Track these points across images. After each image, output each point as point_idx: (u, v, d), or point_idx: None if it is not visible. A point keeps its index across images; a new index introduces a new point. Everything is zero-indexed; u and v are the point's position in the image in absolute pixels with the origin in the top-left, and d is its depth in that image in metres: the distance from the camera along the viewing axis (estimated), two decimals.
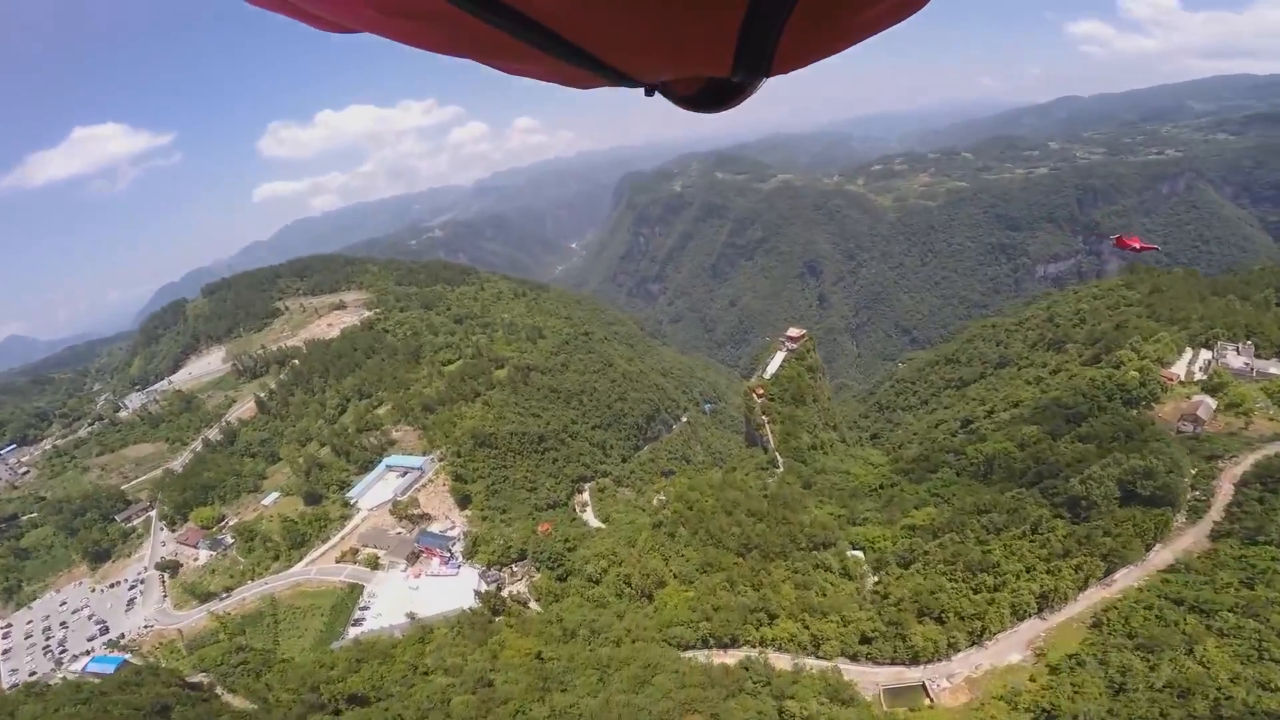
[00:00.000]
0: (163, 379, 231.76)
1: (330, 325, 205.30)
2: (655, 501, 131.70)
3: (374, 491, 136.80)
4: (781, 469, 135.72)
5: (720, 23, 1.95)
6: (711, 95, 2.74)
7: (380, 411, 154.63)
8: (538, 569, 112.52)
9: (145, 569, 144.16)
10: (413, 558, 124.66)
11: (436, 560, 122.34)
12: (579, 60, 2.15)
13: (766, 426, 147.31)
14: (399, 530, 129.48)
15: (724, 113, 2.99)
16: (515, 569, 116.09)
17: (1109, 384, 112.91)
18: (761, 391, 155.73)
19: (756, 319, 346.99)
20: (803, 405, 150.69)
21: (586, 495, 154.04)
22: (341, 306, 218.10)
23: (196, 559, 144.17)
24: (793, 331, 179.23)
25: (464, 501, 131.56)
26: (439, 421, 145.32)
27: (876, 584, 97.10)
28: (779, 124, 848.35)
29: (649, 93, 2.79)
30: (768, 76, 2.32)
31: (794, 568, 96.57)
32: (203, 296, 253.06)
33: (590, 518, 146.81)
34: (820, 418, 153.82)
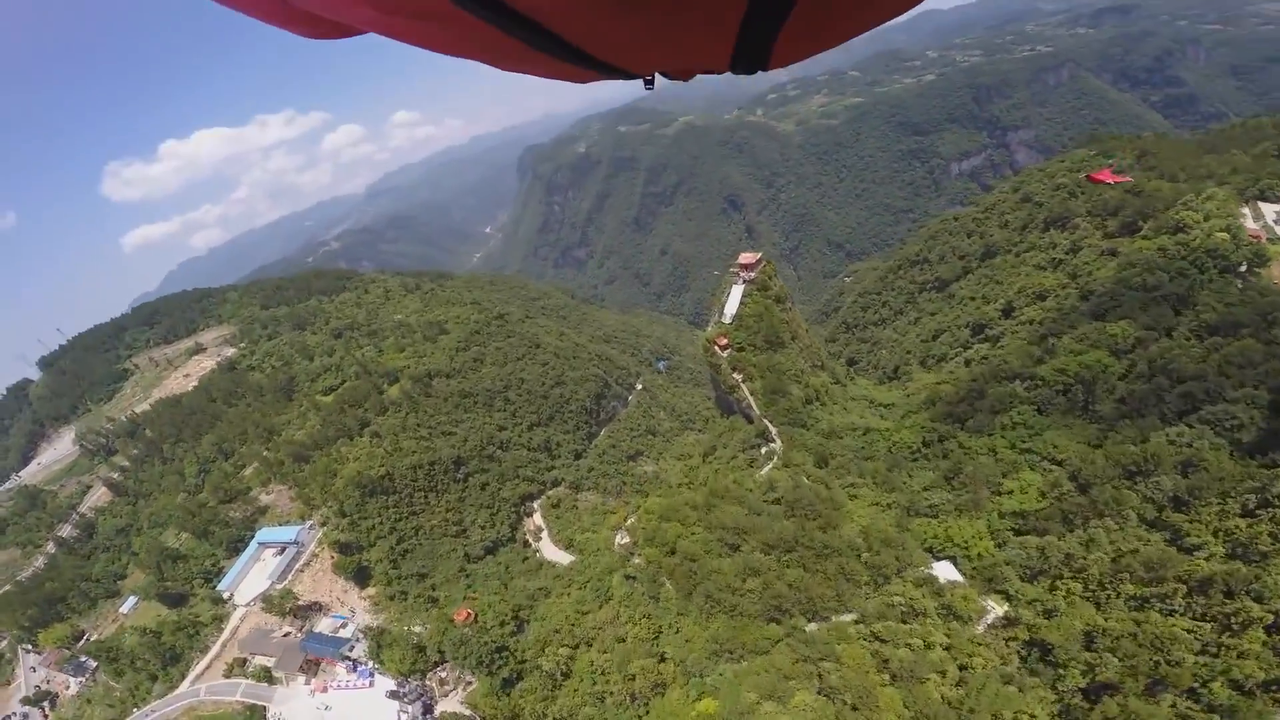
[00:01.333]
0: (9, 476, 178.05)
1: (187, 376, 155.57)
2: (617, 543, 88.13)
3: (250, 579, 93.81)
4: (779, 443, 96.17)
5: (719, 27, 1.90)
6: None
7: (246, 473, 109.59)
8: (471, 673, 73.19)
9: (15, 713, 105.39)
10: (310, 667, 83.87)
11: (342, 669, 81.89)
12: (580, 60, 2.09)
13: (742, 386, 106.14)
14: (287, 630, 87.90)
15: None
16: (444, 674, 76.59)
17: (1193, 251, 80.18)
18: (725, 341, 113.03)
19: (690, 262, 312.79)
20: (781, 348, 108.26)
21: (539, 517, 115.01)
22: (199, 350, 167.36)
23: (68, 687, 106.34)
24: (745, 258, 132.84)
25: (361, 577, 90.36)
26: (314, 472, 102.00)
27: (1008, 627, 59.47)
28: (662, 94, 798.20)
29: (649, 85, 2.72)
30: (764, 71, 2.28)
31: (869, 630, 59.00)
32: (40, 372, 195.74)
33: (549, 548, 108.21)
34: (805, 358, 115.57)
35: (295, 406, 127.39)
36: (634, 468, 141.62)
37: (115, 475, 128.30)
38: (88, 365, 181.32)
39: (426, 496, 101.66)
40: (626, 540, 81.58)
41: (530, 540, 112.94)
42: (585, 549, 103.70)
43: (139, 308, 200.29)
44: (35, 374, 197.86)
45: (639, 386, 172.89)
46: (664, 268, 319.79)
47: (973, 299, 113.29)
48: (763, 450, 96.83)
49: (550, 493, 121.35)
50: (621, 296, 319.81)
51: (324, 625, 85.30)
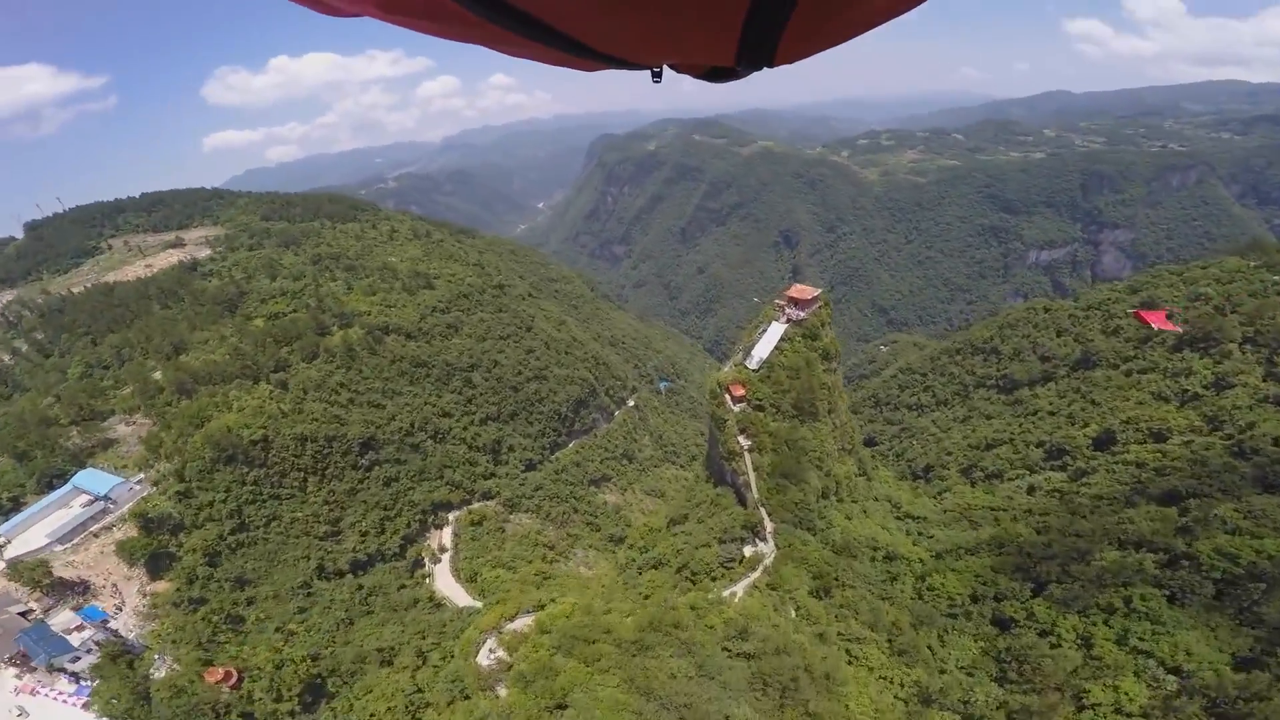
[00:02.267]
0: None
1: (149, 267, 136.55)
2: (485, 654, 57.88)
3: (37, 529, 71.44)
4: (770, 547, 68.64)
5: (724, 20, 1.83)
6: (716, 72, 2.58)
7: (124, 392, 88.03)
8: None
9: None
10: (21, 661, 61.26)
11: (65, 676, 59.08)
12: (584, 52, 2.05)
13: (746, 457, 76.58)
14: (32, 606, 65.22)
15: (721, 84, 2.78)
16: None
17: None
18: (741, 391, 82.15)
19: (725, 287, 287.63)
20: (813, 419, 79.83)
21: (448, 534, 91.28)
22: (178, 244, 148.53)
23: None
24: (798, 290, 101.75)
25: (159, 564, 67.20)
26: (182, 414, 79.89)
27: None
28: (758, 99, 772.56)
29: (656, 78, 2.69)
30: (770, 67, 2.18)
31: None
32: (26, 233, 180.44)
33: (445, 577, 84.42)
34: (836, 437, 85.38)
35: (223, 327, 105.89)
36: (593, 495, 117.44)
37: (6, 358, 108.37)
38: (65, 236, 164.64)
39: (306, 480, 78.97)
40: (498, 657, 54.49)
41: (427, 561, 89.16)
42: (487, 588, 79.43)
43: (147, 194, 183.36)
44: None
45: (630, 403, 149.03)
46: (696, 286, 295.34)
47: (1052, 414, 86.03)
48: (747, 551, 69.46)
49: (476, 507, 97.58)
50: (645, 303, 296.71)
51: (63, 618, 62.37)
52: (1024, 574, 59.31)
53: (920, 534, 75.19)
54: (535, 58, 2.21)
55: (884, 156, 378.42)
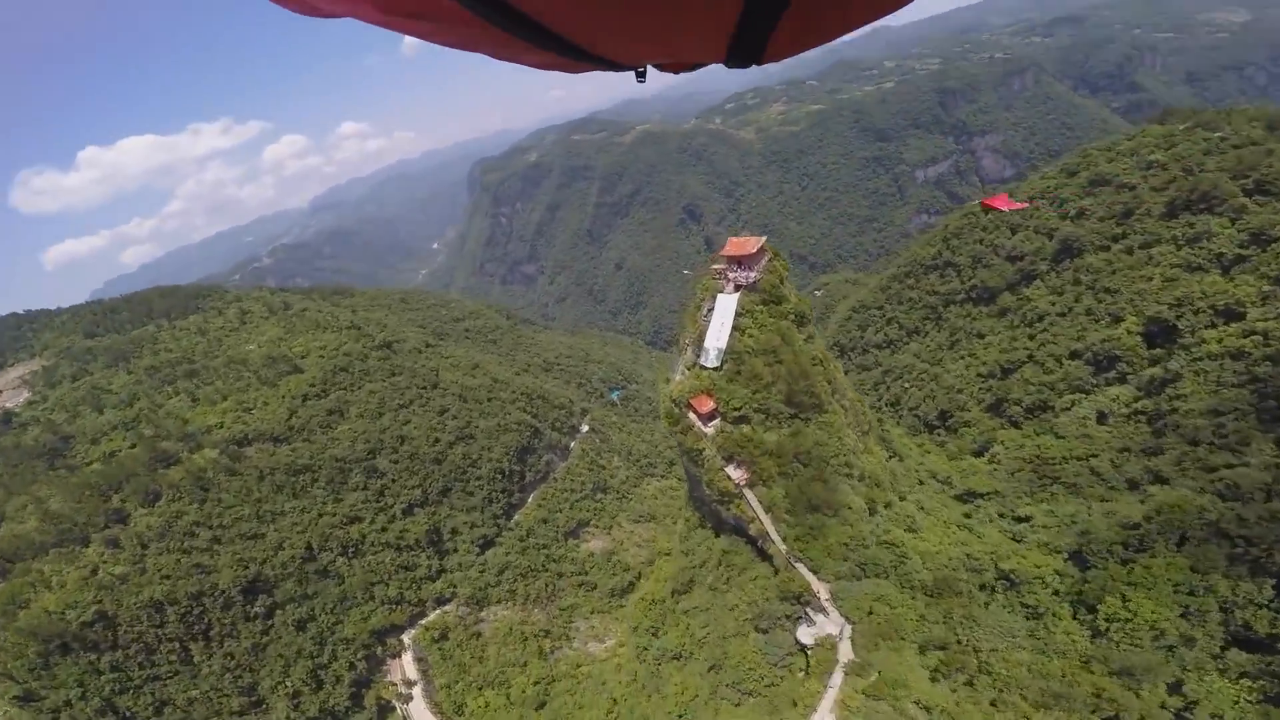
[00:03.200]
0: None
1: None
2: None
3: None
4: (839, 618, 45.77)
5: (717, 20, 1.81)
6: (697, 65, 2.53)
7: None
8: None
9: None
10: None
11: None
12: (574, 53, 2.00)
13: (749, 497, 55.06)
14: None
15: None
16: None
17: None
18: (710, 406, 59.93)
19: (647, 276, 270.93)
20: (819, 412, 57.90)
21: (409, 661, 67.63)
22: None
23: None
24: (736, 245, 75.94)
25: None
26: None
27: None
28: (624, 94, 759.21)
29: (640, 78, 2.63)
30: (759, 64, 2.16)
31: None
32: None
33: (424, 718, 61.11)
34: (853, 425, 62.72)
35: (42, 486, 76.54)
36: (574, 549, 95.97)
37: None
38: None
39: (186, 649, 53.82)
40: None
41: (396, 704, 65.50)
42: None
43: None
44: None
45: (584, 428, 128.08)
46: (619, 283, 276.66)
47: (1063, 315, 71.67)
48: (803, 635, 46.84)
49: (432, 618, 74.10)
50: (574, 315, 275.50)
51: None
52: (1247, 564, 42.04)
53: (1007, 521, 56.86)
54: (524, 61, 2.15)
55: (753, 115, 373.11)
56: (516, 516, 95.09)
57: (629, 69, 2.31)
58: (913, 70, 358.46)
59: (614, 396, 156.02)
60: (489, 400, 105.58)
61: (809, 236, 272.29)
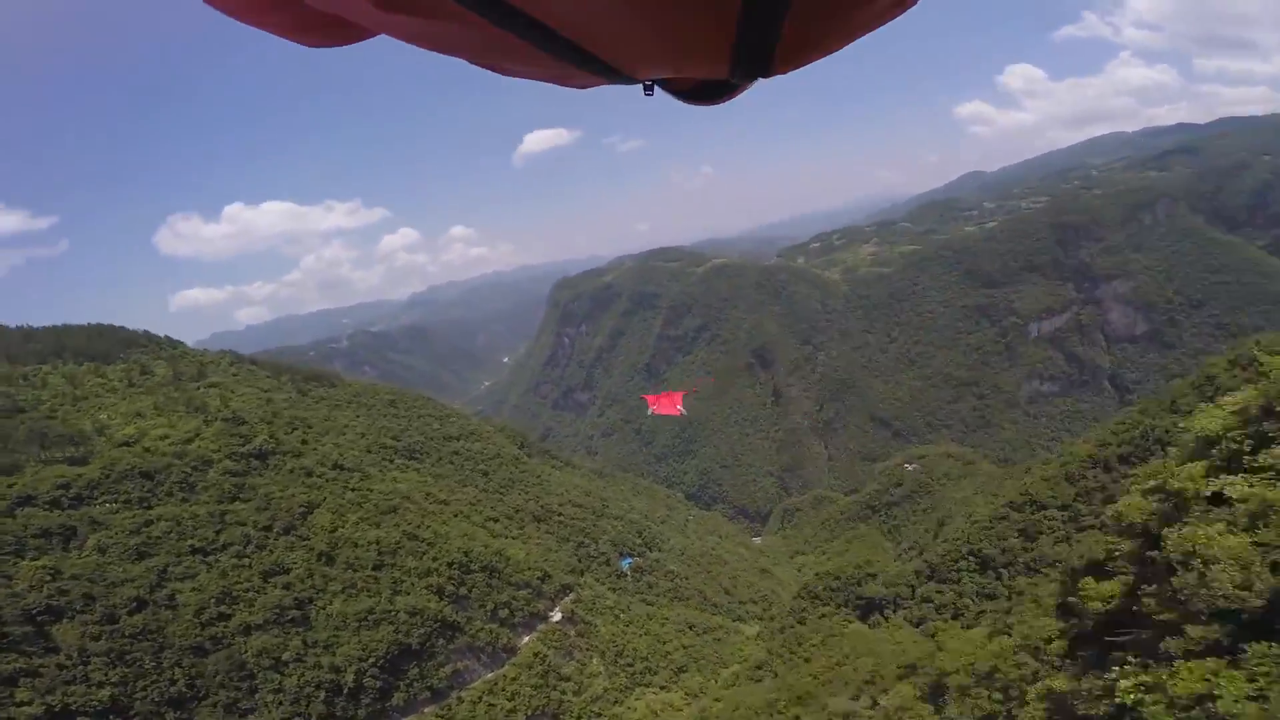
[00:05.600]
0: None
1: None
2: None
3: None
4: None
5: (716, 26, 1.73)
6: (710, 89, 2.45)
7: None
8: None
9: None
10: None
11: None
12: (578, 60, 1.94)
13: None
14: None
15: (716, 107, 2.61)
16: None
17: None
18: None
19: (702, 424, 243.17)
20: None
21: None
22: None
23: None
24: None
25: None
26: None
27: None
28: (706, 230, 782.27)
29: (648, 90, 2.56)
30: (766, 77, 2.05)
31: None
32: None
33: None
34: None
35: None
36: None
37: None
38: None
39: None
40: None
41: None
42: None
43: None
44: None
45: (555, 616, 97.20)
46: (670, 428, 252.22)
47: None
48: None
49: None
50: (619, 454, 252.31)
51: None
52: None
53: None
54: (530, 73, 2.10)
55: (840, 255, 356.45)
56: None
57: (634, 81, 2.22)
58: (1019, 209, 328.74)
59: (624, 566, 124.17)
60: (388, 564, 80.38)
61: (895, 398, 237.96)
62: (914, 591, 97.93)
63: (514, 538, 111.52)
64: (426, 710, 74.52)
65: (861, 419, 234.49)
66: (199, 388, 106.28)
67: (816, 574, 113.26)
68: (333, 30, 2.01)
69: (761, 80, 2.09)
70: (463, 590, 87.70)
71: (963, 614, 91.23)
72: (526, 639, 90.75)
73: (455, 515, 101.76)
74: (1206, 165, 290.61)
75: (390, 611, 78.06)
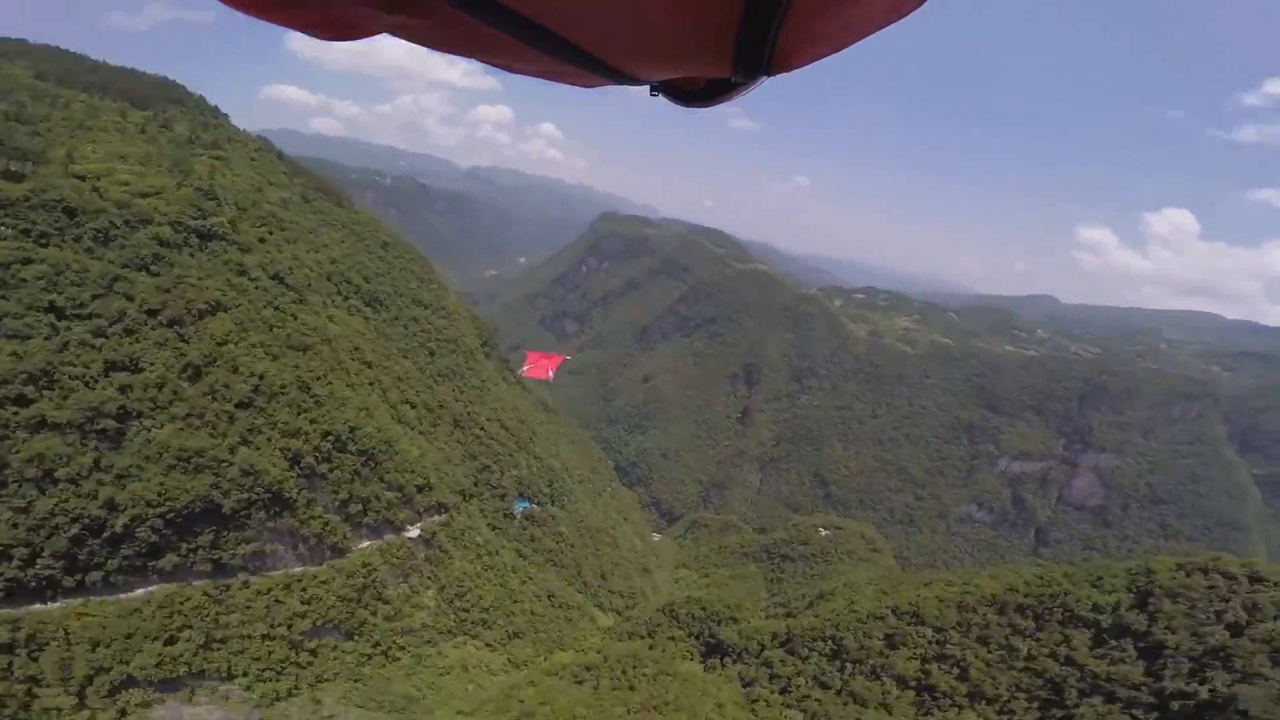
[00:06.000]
0: None
1: None
2: None
3: None
4: None
5: (718, 24, 1.73)
6: (714, 89, 2.43)
7: None
8: None
9: None
10: None
11: None
12: (579, 60, 1.94)
13: None
14: None
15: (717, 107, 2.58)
16: None
17: None
18: None
19: (665, 407, 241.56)
20: None
21: None
22: None
23: None
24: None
25: None
26: None
27: None
28: (766, 237, 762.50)
29: (653, 91, 2.54)
30: (768, 76, 2.03)
31: None
32: None
33: None
34: None
35: None
36: None
37: None
38: None
39: None
40: None
41: None
42: None
43: None
44: None
45: (412, 532, 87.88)
46: (635, 395, 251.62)
47: None
48: None
49: None
50: (575, 396, 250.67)
51: None
52: None
53: None
54: (533, 72, 2.11)
55: (876, 316, 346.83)
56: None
57: (638, 81, 2.21)
58: (1066, 349, 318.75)
59: (517, 509, 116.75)
60: (257, 406, 72.92)
61: (845, 465, 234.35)
62: (761, 651, 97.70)
63: (420, 433, 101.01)
64: (195, 584, 64.64)
65: (805, 470, 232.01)
66: (200, 154, 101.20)
67: (688, 596, 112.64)
68: (344, 28, 2.03)
69: (765, 79, 2.03)
70: (323, 468, 76.76)
71: (790, 691, 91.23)
72: (365, 545, 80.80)
73: (371, 384, 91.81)
74: (1272, 381, 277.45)
75: (221, 462, 67.29)
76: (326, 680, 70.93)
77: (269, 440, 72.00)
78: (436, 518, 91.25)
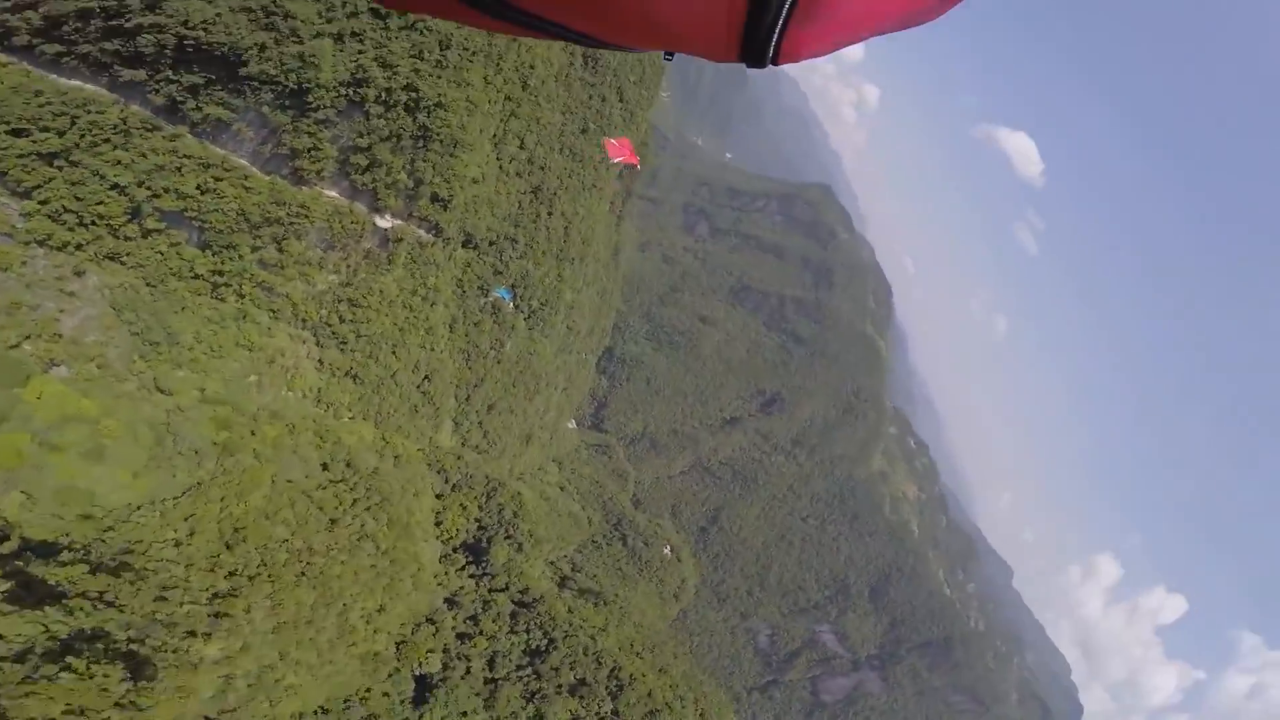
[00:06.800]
0: None
1: None
2: None
3: None
4: None
5: (722, 19, 1.76)
6: None
7: None
8: None
9: None
10: None
11: None
12: (581, 40, 2.04)
13: None
14: None
15: None
16: None
17: None
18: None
19: (693, 349, 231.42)
20: None
21: None
22: None
23: None
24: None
25: None
26: None
27: None
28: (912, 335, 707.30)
29: (668, 58, 2.59)
30: (775, 65, 2.02)
31: None
32: None
33: None
34: None
35: None
36: None
37: None
38: None
39: None
40: None
41: None
42: None
43: None
44: None
45: (385, 221, 74.19)
46: (678, 320, 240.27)
47: None
48: None
49: None
50: (641, 270, 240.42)
51: None
52: None
53: None
54: (522, 34, 2.15)
55: (902, 468, 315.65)
56: None
57: (640, 51, 2.25)
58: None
59: (495, 293, 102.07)
60: None
61: (745, 524, 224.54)
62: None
63: (500, 166, 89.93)
64: (134, 107, 59.29)
65: (706, 503, 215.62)
66: None
67: (517, 493, 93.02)
68: None
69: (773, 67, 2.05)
70: (374, 108, 67.75)
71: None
72: (329, 192, 69.30)
73: (504, 97, 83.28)
74: None
75: (288, 35, 62.36)
76: (114, 260, 58.85)
77: (359, 54, 65.47)
78: (421, 232, 78.87)
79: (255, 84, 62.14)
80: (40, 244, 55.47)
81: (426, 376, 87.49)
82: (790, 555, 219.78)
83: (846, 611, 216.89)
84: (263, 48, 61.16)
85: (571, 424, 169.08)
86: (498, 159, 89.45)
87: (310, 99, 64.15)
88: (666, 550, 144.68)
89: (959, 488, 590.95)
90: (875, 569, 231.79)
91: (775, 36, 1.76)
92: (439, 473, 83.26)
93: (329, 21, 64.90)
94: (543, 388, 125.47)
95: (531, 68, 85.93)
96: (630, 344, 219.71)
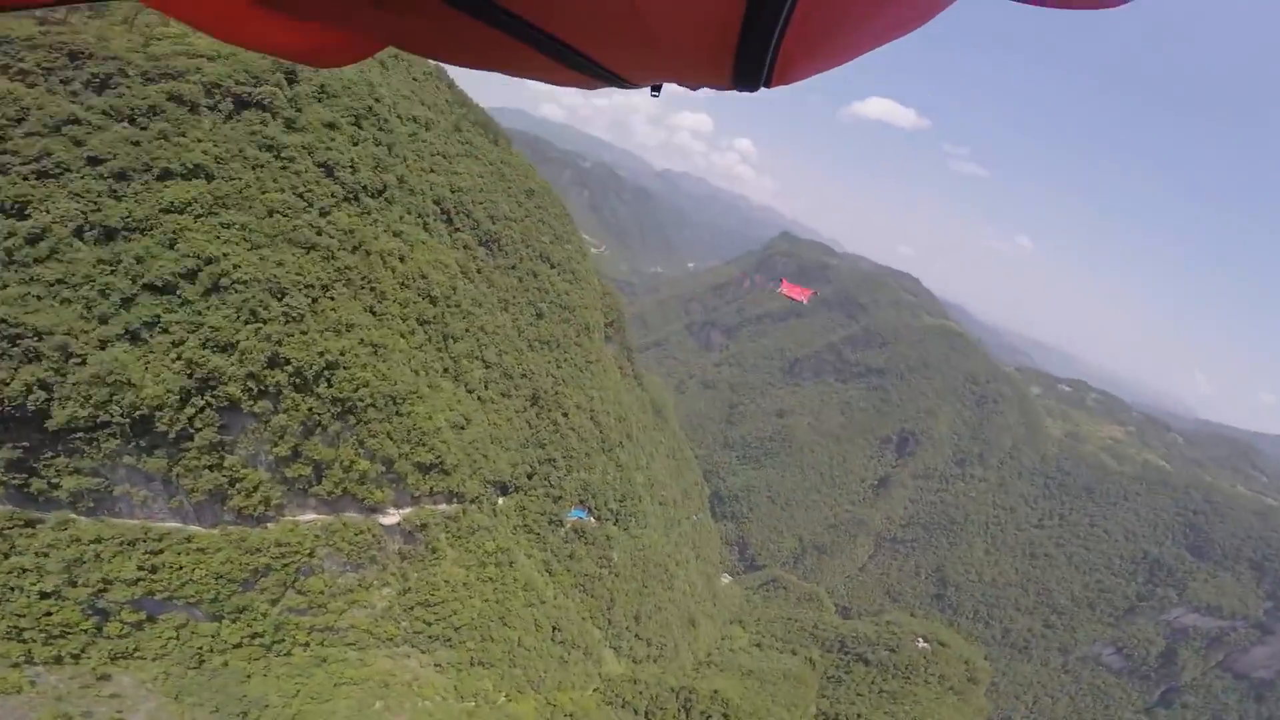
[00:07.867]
0: None
1: None
2: None
3: None
4: None
5: (715, 42, 1.72)
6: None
7: None
8: None
9: None
10: None
11: None
12: (577, 64, 1.95)
13: None
14: None
15: None
16: None
17: None
18: None
19: (791, 449, 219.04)
20: None
21: None
22: None
23: None
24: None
25: None
26: None
27: None
28: (961, 299, 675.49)
29: (654, 92, 2.58)
30: (768, 88, 2.00)
31: None
32: None
33: None
34: None
35: None
36: None
37: None
38: None
39: None
40: None
41: None
42: None
43: None
44: None
45: (392, 516, 64.03)
46: (763, 428, 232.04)
47: None
48: None
49: None
50: (695, 408, 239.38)
51: None
52: None
53: None
54: (530, 75, 2.10)
55: (1080, 416, 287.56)
56: None
57: (637, 86, 2.17)
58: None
59: (577, 516, 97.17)
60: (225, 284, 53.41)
61: (975, 572, 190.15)
62: None
63: (479, 398, 79.94)
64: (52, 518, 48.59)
65: (926, 562, 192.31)
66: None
67: (714, 691, 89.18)
68: (339, 51, 2.06)
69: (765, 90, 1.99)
70: (257, 406, 54.28)
71: None
72: (306, 517, 58.55)
73: (421, 323, 71.02)
74: None
75: (72, 357, 47.23)
76: (128, 658, 50.95)
77: (175, 347, 50.46)
78: (442, 506, 69.38)
79: (78, 437, 47.88)
80: (26, 663, 47.27)
81: (555, 627, 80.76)
82: (1057, 565, 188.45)
83: (1186, 583, 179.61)
84: (46, 387, 46.17)
85: (726, 579, 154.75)
86: (468, 391, 79.73)
87: (160, 425, 49.89)
88: (920, 643, 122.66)
89: (1155, 400, 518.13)
90: (1165, 525, 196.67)
91: (770, 54, 1.71)
92: (624, 706, 73.40)
93: (103, 321, 48.57)
94: (675, 570, 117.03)
95: (423, 276, 71.98)
96: (730, 478, 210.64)
